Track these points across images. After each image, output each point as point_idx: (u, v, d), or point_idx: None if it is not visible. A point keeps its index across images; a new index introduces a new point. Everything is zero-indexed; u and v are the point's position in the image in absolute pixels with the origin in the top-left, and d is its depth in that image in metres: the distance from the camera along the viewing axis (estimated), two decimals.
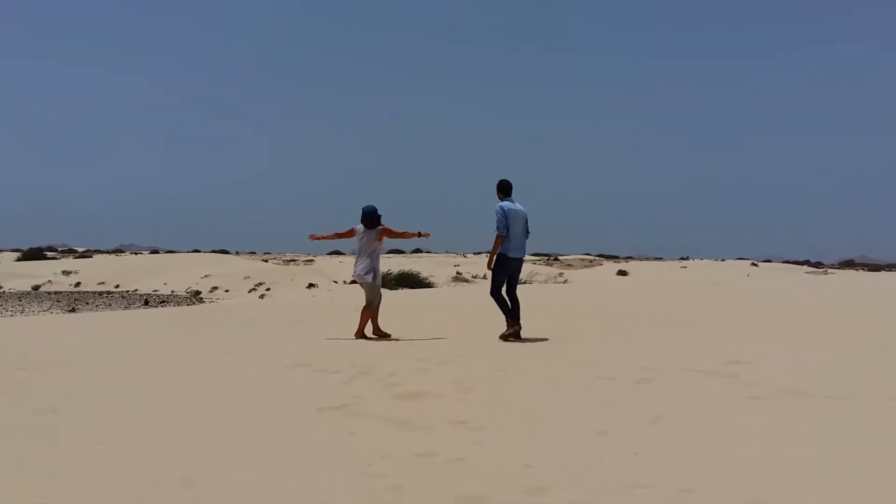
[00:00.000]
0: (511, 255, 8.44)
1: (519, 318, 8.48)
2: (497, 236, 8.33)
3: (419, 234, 9.08)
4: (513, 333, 8.37)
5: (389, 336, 8.82)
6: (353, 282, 8.98)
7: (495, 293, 8.52)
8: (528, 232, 8.61)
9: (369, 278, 8.65)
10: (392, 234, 8.84)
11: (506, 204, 8.43)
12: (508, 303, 8.52)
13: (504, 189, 8.55)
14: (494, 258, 8.44)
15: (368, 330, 8.82)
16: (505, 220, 8.33)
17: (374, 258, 8.71)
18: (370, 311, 8.82)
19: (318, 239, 9.02)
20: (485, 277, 14.47)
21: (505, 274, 8.50)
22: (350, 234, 8.80)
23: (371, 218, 8.73)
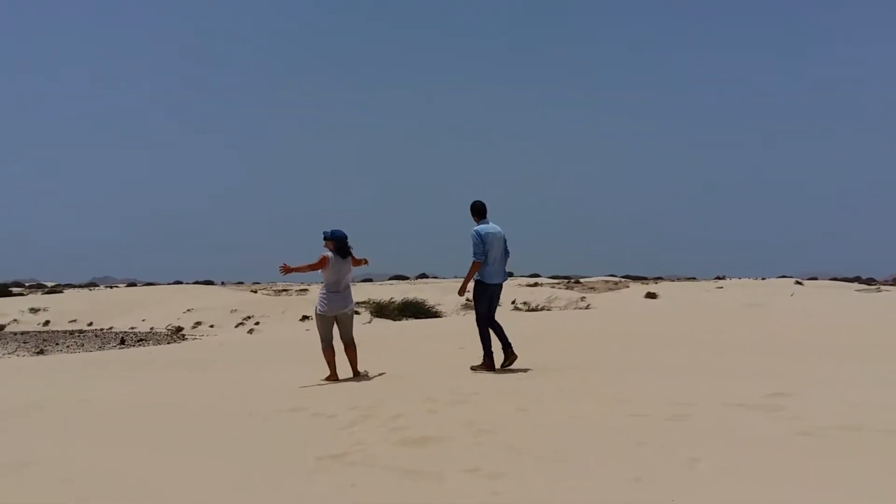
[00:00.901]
0: (490, 281, 8.70)
1: (511, 346, 8.73)
2: (473, 263, 8.56)
3: (365, 262, 9.03)
4: (508, 358, 8.70)
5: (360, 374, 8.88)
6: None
7: (482, 324, 8.74)
8: (507, 253, 8.88)
9: (350, 310, 8.80)
10: (356, 262, 8.88)
11: (482, 227, 8.63)
12: (491, 337, 8.76)
13: (478, 212, 8.76)
14: (470, 285, 8.70)
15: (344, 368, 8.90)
16: (482, 244, 8.54)
17: (349, 289, 8.76)
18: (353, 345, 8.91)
19: (291, 271, 8.69)
20: (499, 304, 14.53)
21: (486, 302, 8.77)
22: (323, 263, 8.56)
23: (344, 244, 8.69)
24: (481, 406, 6.55)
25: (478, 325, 8.81)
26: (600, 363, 9.15)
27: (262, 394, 7.72)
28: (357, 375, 8.75)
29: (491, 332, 8.78)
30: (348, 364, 8.85)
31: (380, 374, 8.87)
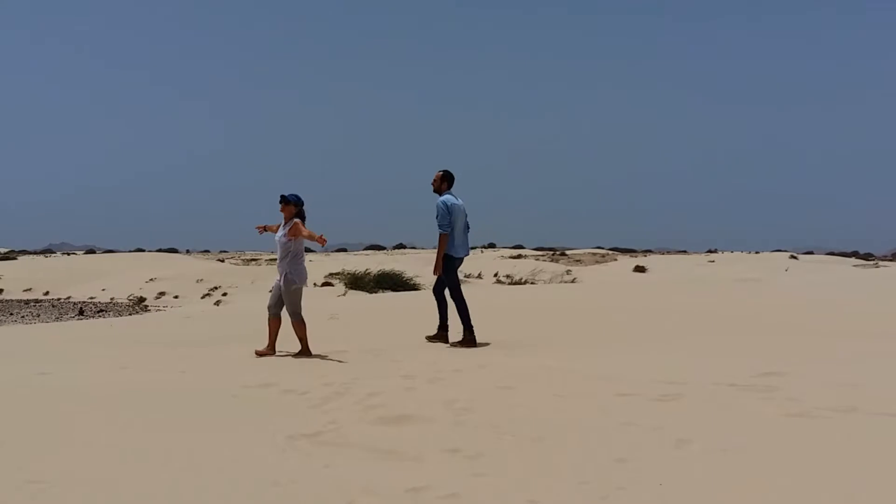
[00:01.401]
0: (458, 254, 8.88)
1: (447, 329, 9.13)
2: (441, 236, 8.66)
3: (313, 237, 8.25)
4: (439, 338, 9.11)
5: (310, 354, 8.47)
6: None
7: (458, 298, 8.83)
8: (468, 227, 9.12)
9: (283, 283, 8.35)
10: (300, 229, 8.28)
11: (448, 198, 8.78)
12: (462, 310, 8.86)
13: (449, 180, 8.96)
14: (442, 261, 8.76)
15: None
16: (448, 216, 8.68)
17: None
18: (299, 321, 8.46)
19: (267, 230, 8.74)
20: (480, 277, 14.52)
21: (456, 275, 8.95)
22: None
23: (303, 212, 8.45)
24: (461, 384, 6.58)
25: (454, 300, 8.88)
26: (585, 340, 9.23)
27: (230, 369, 7.70)
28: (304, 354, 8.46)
29: (448, 303, 9.04)
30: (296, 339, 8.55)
31: (354, 350, 8.87)
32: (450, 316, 9.07)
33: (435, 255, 8.77)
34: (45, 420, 5.58)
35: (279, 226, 8.45)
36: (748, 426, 4.94)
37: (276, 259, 9.05)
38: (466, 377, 6.88)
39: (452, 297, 8.86)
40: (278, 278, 8.39)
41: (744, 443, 4.54)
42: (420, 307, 13.62)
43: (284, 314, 8.47)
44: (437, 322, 9.18)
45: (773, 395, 5.75)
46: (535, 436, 4.85)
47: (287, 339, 8.67)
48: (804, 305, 12.89)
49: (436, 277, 8.91)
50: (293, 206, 8.35)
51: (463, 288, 8.94)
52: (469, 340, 8.77)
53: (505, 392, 6.19)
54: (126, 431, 5.23)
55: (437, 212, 8.64)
